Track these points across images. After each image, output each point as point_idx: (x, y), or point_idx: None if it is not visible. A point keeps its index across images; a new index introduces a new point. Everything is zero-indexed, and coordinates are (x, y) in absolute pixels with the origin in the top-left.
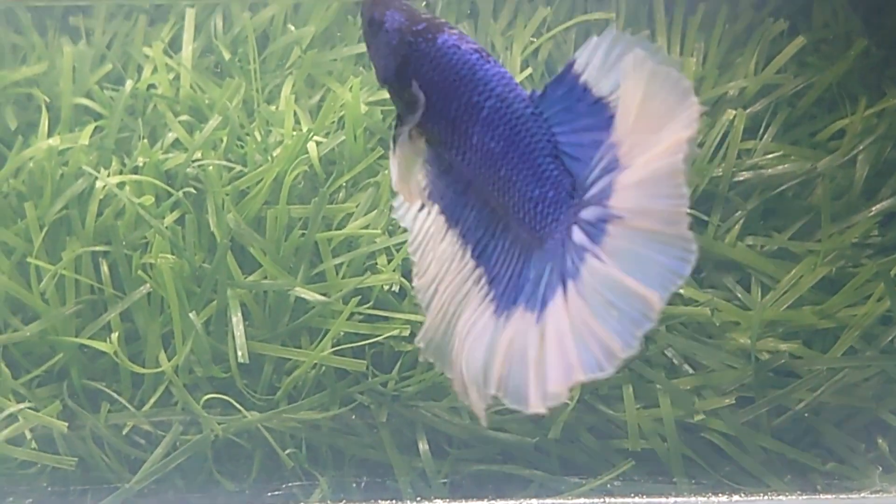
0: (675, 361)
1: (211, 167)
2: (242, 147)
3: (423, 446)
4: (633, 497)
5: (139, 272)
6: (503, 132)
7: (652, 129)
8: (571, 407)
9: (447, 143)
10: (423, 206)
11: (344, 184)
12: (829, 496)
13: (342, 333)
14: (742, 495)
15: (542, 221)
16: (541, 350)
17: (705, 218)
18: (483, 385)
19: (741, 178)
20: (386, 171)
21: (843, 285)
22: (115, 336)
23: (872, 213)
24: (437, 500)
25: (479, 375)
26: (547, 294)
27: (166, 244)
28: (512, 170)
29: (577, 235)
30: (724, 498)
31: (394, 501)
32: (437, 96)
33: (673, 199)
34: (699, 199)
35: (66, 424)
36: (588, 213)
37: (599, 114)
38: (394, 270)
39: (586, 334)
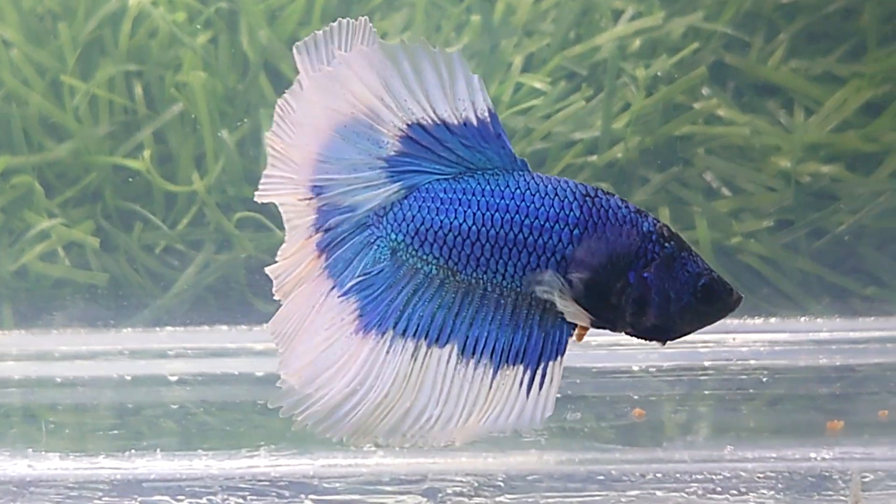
0: (714, 185)
1: None
2: None
3: None
4: None
5: (172, 90)
6: None
7: None
8: None
9: None
10: None
11: (379, 2)
12: (868, 319)
13: None
14: (779, 318)
15: None
16: None
17: (747, 40)
18: None
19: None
20: None
21: (889, 108)
22: (146, 153)
23: None
24: None
25: None
26: None
27: (199, 62)
28: None
29: None
30: (759, 321)
31: None
32: None
33: None
34: (741, 20)
35: (98, 240)
36: None
37: None
38: None
39: None
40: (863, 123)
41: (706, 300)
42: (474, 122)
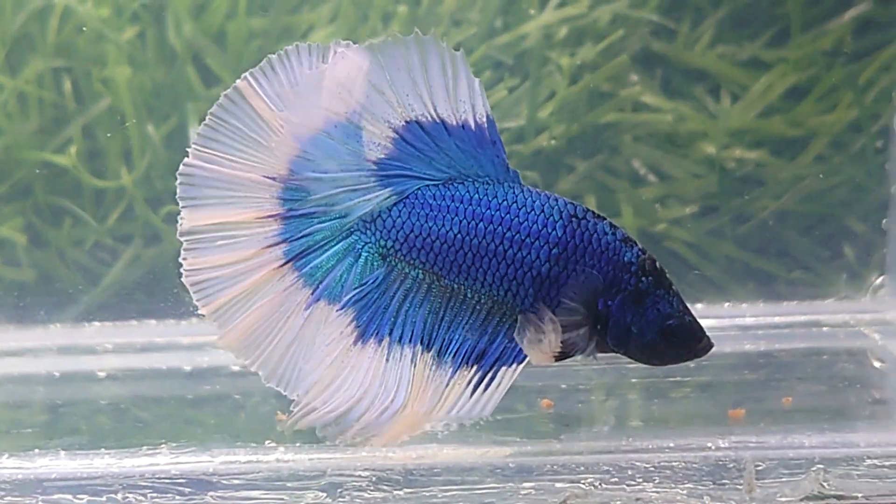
0: (641, 172)
1: None
2: None
3: None
4: None
5: (98, 85)
6: None
7: None
8: None
9: None
10: None
11: None
12: (792, 303)
13: None
14: (705, 304)
15: None
16: None
17: (673, 27)
18: None
19: None
20: None
21: (813, 93)
22: (73, 150)
23: (846, 21)
24: None
25: None
26: None
27: (124, 57)
28: None
29: None
30: None
31: None
32: None
33: None
34: (667, 7)
35: (25, 238)
36: None
37: None
38: None
39: None
40: (787, 108)
41: (668, 342)
42: (472, 125)
